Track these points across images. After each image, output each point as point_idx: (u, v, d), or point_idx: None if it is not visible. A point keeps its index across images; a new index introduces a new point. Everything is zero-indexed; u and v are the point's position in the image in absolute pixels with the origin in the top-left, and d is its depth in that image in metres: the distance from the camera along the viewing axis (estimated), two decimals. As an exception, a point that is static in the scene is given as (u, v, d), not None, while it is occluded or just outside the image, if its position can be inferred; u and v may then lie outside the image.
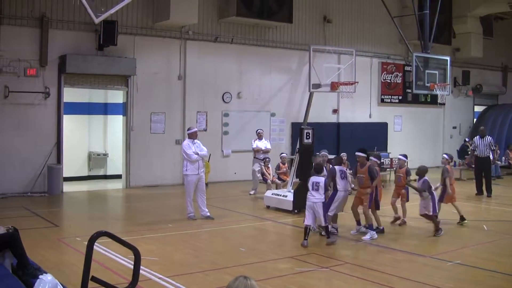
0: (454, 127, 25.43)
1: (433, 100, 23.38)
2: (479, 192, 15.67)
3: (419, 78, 16.60)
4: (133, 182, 16.54)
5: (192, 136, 11.70)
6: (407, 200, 11.31)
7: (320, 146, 13.17)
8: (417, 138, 23.33)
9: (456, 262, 8.34)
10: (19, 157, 14.77)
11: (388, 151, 20.58)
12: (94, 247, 4.72)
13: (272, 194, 13.35)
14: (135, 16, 16.51)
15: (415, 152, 21.19)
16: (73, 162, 17.20)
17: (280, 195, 13.01)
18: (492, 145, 16.25)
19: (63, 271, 7.42)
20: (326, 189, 9.43)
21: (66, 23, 15.35)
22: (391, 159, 17.53)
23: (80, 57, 15.22)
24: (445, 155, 11.88)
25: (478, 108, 26.73)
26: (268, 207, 13.19)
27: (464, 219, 11.31)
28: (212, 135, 17.80)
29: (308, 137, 12.77)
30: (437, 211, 10.51)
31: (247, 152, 16.26)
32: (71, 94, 16.38)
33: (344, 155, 14.13)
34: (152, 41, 16.80)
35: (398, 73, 22.82)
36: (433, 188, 10.43)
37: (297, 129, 15.60)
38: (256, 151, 15.59)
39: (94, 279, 4.71)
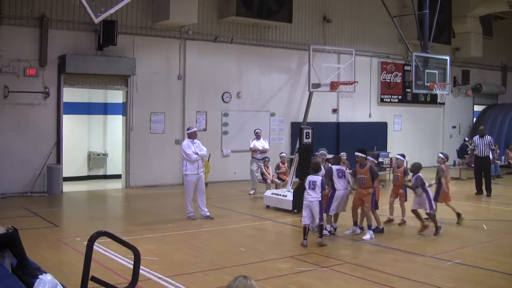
0: (454, 127, 25.43)
1: (432, 100, 23.42)
2: (479, 191, 15.67)
3: (418, 77, 16.60)
4: (132, 182, 16.54)
5: (192, 136, 11.69)
6: (406, 200, 11.32)
7: (320, 146, 13.14)
8: (416, 137, 23.34)
9: (456, 262, 8.34)
10: (18, 157, 14.76)
11: (388, 150, 20.57)
12: (94, 247, 4.72)
13: (272, 193, 13.35)
14: (134, 16, 16.51)
15: (414, 152, 21.20)
16: (72, 162, 17.19)
17: (280, 195, 13.01)
18: (491, 145, 16.24)
19: (62, 271, 7.42)
20: (323, 188, 9.42)
21: (65, 23, 15.35)
22: (391, 158, 17.53)
23: (79, 57, 15.22)
24: (440, 154, 11.87)
25: (478, 108, 26.74)
26: (267, 206, 13.19)
27: (460, 215, 11.31)
28: (212, 135, 17.80)
29: (307, 136, 12.78)
30: (434, 208, 10.48)
31: (246, 152, 16.25)
32: (70, 94, 16.37)
33: (343, 154, 14.13)
34: (152, 41, 16.80)
35: (397, 73, 22.83)
36: (426, 184, 10.39)
37: (296, 129, 15.60)
38: (253, 150, 15.59)
39: (94, 279, 4.71)
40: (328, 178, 10.09)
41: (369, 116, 22.04)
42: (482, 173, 15.79)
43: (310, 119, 14.78)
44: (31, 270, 5.35)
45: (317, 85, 13.66)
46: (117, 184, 16.99)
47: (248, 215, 12.56)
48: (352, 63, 14.45)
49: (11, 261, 5.51)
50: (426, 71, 16.74)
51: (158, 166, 16.90)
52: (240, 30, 18.51)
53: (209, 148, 13.78)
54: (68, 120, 16.47)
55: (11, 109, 14.65)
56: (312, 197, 9.30)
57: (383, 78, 22.38)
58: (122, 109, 16.80)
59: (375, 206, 10.23)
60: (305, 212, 9.37)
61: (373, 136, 21.05)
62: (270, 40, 19.19)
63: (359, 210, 10.27)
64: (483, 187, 15.64)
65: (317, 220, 9.29)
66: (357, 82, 14.83)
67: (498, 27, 26.84)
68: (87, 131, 18.24)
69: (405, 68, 22.62)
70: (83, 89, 16.91)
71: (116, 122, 17.79)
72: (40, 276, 5.14)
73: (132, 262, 5.05)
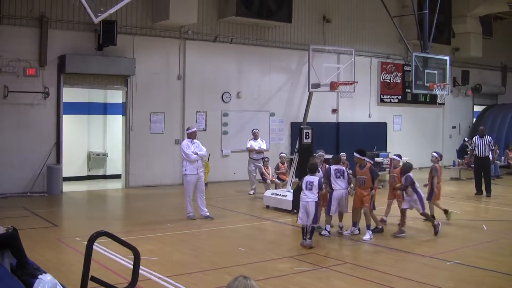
0: (454, 127, 25.44)
1: (432, 100, 23.36)
2: (479, 191, 15.68)
3: (418, 78, 16.61)
4: (132, 182, 16.54)
5: (191, 136, 11.69)
6: (403, 200, 11.29)
7: (320, 146, 13.16)
8: (416, 138, 23.34)
9: (455, 262, 8.34)
10: (18, 157, 14.76)
11: (388, 151, 20.55)
12: (94, 247, 4.72)
13: (272, 194, 13.35)
14: (134, 16, 16.51)
15: (414, 152, 21.25)
16: (72, 162, 17.19)
17: (280, 195, 13.01)
18: (491, 145, 16.24)
19: (62, 271, 7.42)
20: (320, 189, 9.41)
21: (65, 23, 15.35)
22: (390, 159, 17.51)
23: (79, 57, 15.22)
24: (434, 153, 11.87)
25: (478, 108, 26.75)
26: (267, 207, 13.19)
27: (447, 210, 11.35)
28: (212, 135, 17.80)
29: (307, 137, 12.77)
30: (424, 209, 10.44)
31: (246, 152, 16.24)
32: (70, 94, 16.37)
33: (343, 154, 14.12)
34: (152, 41, 16.80)
35: (397, 73, 22.83)
36: (417, 184, 10.33)
37: (296, 129, 15.59)
38: (250, 150, 15.59)
39: (94, 279, 4.71)
40: (326, 178, 10.10)
41: (369, 116, 22.04)
42: (481, 173, 15.80)
43: (310, 119, 14.77)
44: (31, 270, 5.35)
45: (317, 85, 13.65)
46: (117, 184, 16.99)
47: (248, 215, 12.56)
48: (352, 63, 14.45)
49: (10, 261, 5.51)
50: (426, 71, 16.75)
51: (158, 166, 16.90)
52: (240, 30, 18.51)
53: (208, 148, 13.78)
54: (68, 120, 16.47)
55: (11, 109, 14.65)
56: (309, 197, 9.28)
57: (383, 78, 22.38)
58: (122, 109, 16.80)
59: (372, 206, 10.21)
60: (301, 213, 9.36)
61: (373, 136, 21.05)
62: (270, 40, 19.19)
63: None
64: (483, 188, 15.65)
65: (309, 221, 9.22)
66: (357, 82, 14.83)
67: (498, 27, 26.84)
68: (87, 131, 18.24)
69: (405, 68, 22.63)
70: (83, 89, 16.91)
71: (116, 122, 17.79)
72: (40, 276, 5.15)
73: (132, 262, 5.06)
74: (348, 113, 21.17)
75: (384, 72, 22.39)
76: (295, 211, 12.04)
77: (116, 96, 17.52)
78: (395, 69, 22.75)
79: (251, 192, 15.41)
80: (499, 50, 26.63)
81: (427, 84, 16.70)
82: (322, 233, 10.11)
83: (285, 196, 12.75)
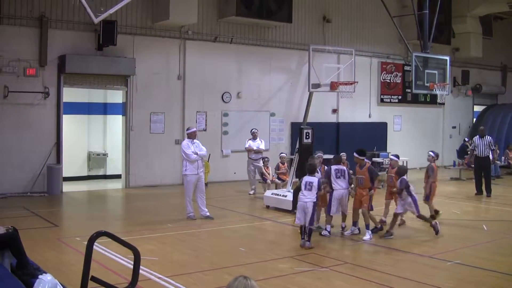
0: (454, 127, 25.43)
1: (432, 100, 23.36)
2: (479, 192, 15.67)
3: (418, 78, 16.61)
4: (132, 182, 16.54)
5: (191, 136, 11.70)
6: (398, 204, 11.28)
7: (320, 146, 13.16)
8: (416, 138, 23.33)
9: (456, 262, 8.34)
10: (18, 157, 14.76)
11: (388, 151, 20.57)
12: (94, 247, 4.72)
13: (272, 194, 13.36)
14: (134, 16, 16.51)
15: (414, 152, 21.23)
16: (72, 162, 17.19)
17: (280, 195, 13.02)
18: (491, 145, 16.25)
19: (62, 271, 7.42)
20: (319, 189, 9.41)
21: (65, 23, 15.35)
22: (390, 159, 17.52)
23: (79, 57, 15.22)
24: (431, 153, 11.86)
25: (478, 108, 26.74)
26: (267, 207, 13.19)
27: (438, 212, 11.36)
28: (212, 135, 17.80)
29: (307, 137, 12.78)
30: (419, 211, 10.40)
31: (246, 152, 16.22)
32: (70, 94, 16.37)
33: (343, 154, 14.11)
34: (152, 41, 16.80)
35: (397, 73, 22.83)
36: (411, 187, 10.29)
37: (296, 129, 15.60)
38: (248, 150, 15.60)
39: (94, 279, 4.71)
40: (327, 178, 10.11)
41: (369, 116, 22.04)
42: (482, 173, 15.79)
43: (310, 119, 14.77)
44: (31, 270, 5.35)
45: (317, 85, 13.65)
46: (117, 184, 16.99)
47: (248, 215, 12.56)
48: (352, 63, 14.44)
49: (11, 261, 5.51)
50: (426, 71, 16.75)
51: (158, 166, 16.90)
52: (240, 30, 18.51)
53: (208, 148, 13.78)
54: (68, 120, 16.47)
55: (11, 109, 14.65)
56: (307, 197, 9.28)
57: (383, 78, 22.38)
58: (122, 109, 16.80)
59: (370, 207, 10.20)
60: (299, 213, 9.36)
61: (373, 136, 21.06)
62: (270, 40, 19.19)
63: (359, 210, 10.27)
64: (483, 188, 15.64)
65: (307, 222, 9.20)
66: (357, 82, 14.83)
67: (498, 27, 26.84)
68: (87, 131, 18.24)
69: (405, 68, 22.62)
70: (83, 89, 16.92)
71: (116, 122, 17.79)
72: (40, 276, 5.15)
73: (132, 262, 5.06)
74: (348, 113, 21.17)
75: (384, 72, 22.39)
76: (295, 211, 12.04)
77: (116, 96, 17.52)
78: (395, 69, 22.75)
79: (251, 192, 15.41)
80: (499, 50, 26.63)
81: (427, 84, 16.70)
82: (322, 233, 10.11)
83: (285, 196, 12.75)
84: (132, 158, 16.53)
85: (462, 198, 15.27)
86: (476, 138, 16.16)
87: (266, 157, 15.58)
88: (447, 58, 17.87)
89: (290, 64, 19.76)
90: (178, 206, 13.07)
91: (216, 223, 11.25)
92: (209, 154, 16.51)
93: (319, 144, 13.65)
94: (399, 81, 22.89)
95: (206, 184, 12.83)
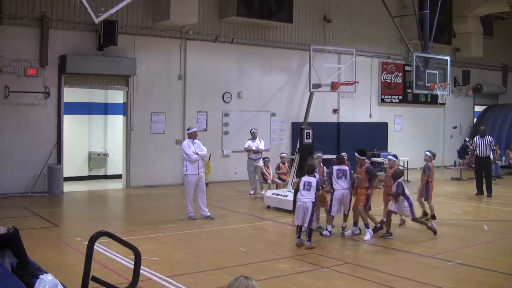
0: (454, 127, 25.42)
1: (433, 100, 23.35)
2: (479, 192, 15.66)
3: (419, 78, 16.59)
4: (133, 182, 16.54)
5: (192, 136, 11.70)
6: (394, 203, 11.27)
7: (320, 146, 13.17)
8: (417, 138, 23.32)
9: (456, 262, 8.34)
10: (19, 157, 14.77)
11: (389, 151, 20.55)
12: (95, 247, 4.72)
13: (272, 194, 13.36)
14: (135, 16, 16.52)
15: (415, 152, 21.17)
16: (73, 162, 17.20)
17: (280, 195, 13.02)
18: (492, 145, 16.24)
19: (63, 271, 7.42)
20: (317, 189, 9.41)
21: (66, 23, 15.36)
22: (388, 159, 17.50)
23: (80, 57, 15.23)
24: (427, 152, 11.86)
25: (478, 108, 26.72)
26: (268, 207, 13.20)
27: (427, 215, 11.33)
28: (212, 135, 17.81)
29: (308, 137, 12.77)
30: (414, 215, 10.38)
31: (246, 152, 16.24)
32: (71, 94, 16.38)
33: (344, 155, 14.09)
34: (152, 41, 16.80)
35: (398, 73, 22.82)
36: (406, 191, 10.24)
37: (297, 129, 15.59)
38: (247, 150, 15.60)
39: (95, 279, 4.71)
40: (329, 178, 10.13)
41: (370, 117, 22.04)
42: (482, 173, 15.78)
43: (311, 119, 14.78)
44: (31, 270, 5.36)
45: (317, 85, 13.65)
46: (118, 184, 17.00)
47: (249, 215, 12.57)
48: (353, 63, 14.44)
49: (11, 261, 5.52)
50: (427, 71, 16.73)
51: (158, 166, 16.91)
52: (240, 30, 18.51)
53: (209, 148, 13.79)
54: (68, 120, 16.48)
55: (11, 109, 14.65)
56: (306, 198, 9.28)
57: (384, 78, 22.38)
58: (123, 109, 16.80)
59: (368, 207, 10.19)
60: (297, 214, 9.36)
61: (374, 136, 21.06)
62: (270, 40, 19.19)
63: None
64: (484, 188, 15.63)
65: (306, 223, 9.19)
66: (358, 82, 14.83)
67: (499, 27, 26.82)
68: (88, 131, 18.25)
69: (405, 69, 22.61)
70: (83, 89, 16.93)
71: (116, 122, 17.79)
72: (40, 276, 5.15)
73: (133, 262, 5.06)
74: (349, 113, 21.17)
75: (385, 72, 22.39)
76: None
77: (117, 96, 17.53)
78: (396, 69, 22.74)
79: (252, 192, 15.41)
80: (500, 50, 26.61)
81: (428, 84, 16.68)
82: (323, 233, 10.12)
83: (286, 196, 12.76)
84: (133, 158, 16.54)
85: (463, 198, 15.26)
86: (477, 138, 16.15)
87: (267, 157, 15.58)
88: (448, 58, 17.85)
89: (291, 64, 19.76)
90: (178, 206, 13.07)
91: (217, 223, 11.25)
92: (210, 154, 16.52)
93: (319, 144, 13.65)
94: (399, 81, 22.88)
95: (206, 184, 12.84)
